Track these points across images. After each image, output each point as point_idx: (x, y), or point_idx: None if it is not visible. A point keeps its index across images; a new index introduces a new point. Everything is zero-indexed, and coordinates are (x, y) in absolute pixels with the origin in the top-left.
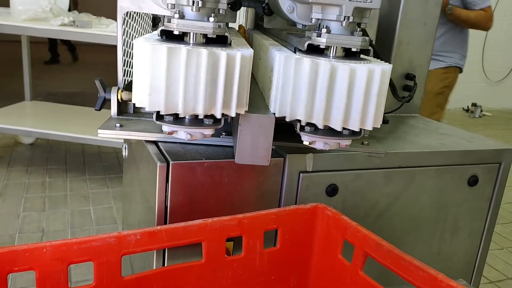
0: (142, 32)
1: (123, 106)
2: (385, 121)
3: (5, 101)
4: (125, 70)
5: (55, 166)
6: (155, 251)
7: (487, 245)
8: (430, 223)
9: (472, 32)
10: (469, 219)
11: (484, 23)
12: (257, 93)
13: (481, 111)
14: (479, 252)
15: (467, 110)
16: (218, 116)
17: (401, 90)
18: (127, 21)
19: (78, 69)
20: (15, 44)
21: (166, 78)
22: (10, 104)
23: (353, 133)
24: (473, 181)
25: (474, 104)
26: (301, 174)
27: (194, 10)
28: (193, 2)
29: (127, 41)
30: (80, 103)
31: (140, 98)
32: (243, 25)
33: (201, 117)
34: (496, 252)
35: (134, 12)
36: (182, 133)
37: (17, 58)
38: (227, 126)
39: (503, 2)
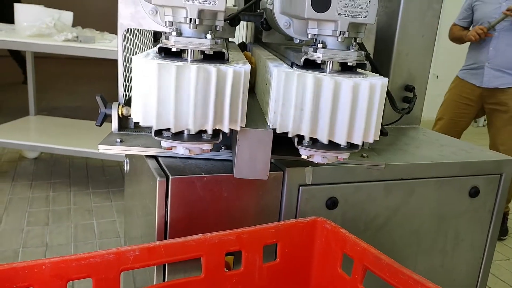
0: (143, 47)
1: (123, 121)
2: (384, 133)
3: (9, 116)
4: (126, 85)
5: (59, 180)
6: (155, 266)
7: (490, 257)
8: (432, 236)
9: None
10: (471, 230)
11: None
12: (256, 107)
13: (485, 120)
14: (482, 263)
15: None
16: (226, 130)
17: (400, 101)
18: (128, 37)
19: (82, 83)
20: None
21: (175, 96)
22: (15, 119)
23: (351, 146)
24: (474, 192)
25: None
26: (300, 187)
27: (191, 27)
28: (190, 19)
29: (128, 57)
30: (84, 117)
31: (138, 113)
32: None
33: (210, 132)
34: (502, 263)
35: (135, 28)
36: (181, 148)
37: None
38: (227, 140)
39: None
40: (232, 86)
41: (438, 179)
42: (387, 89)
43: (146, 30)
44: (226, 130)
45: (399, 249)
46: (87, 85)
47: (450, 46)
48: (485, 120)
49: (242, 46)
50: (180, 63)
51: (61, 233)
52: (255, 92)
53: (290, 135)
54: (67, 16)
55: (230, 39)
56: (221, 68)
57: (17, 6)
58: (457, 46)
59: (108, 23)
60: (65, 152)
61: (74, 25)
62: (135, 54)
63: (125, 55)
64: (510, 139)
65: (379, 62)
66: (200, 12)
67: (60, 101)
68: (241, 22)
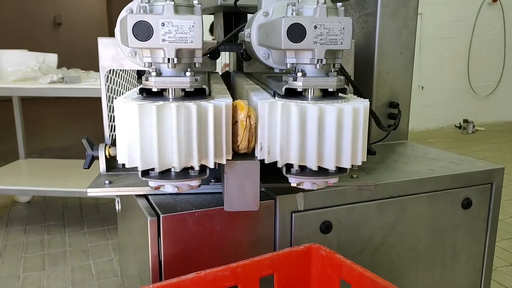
0: (127, 85)
1: (112, 161)
2: (372, 153)
3: (0, 161)
4: (111, 125)
5: (53, 222)
6: None
7: (490, 266)
8: (429, 251)
9: (455, 49)
10: (467, 242)
11: None
12: None
13: (474, 126)
14: (483, 274)
15: (460, 127)
16: (211, 166)
17: (386, 118)
18: (111, 77)
19: (71, 122)
20: (6, 103)
21: (157, 135)
22: (5, 163)
23: (339, 170)
24: (466, 204)
25: (465, 121)
26: (293, 214)
27: (170, 66)
28: (169, 59)
29: (112, 97)
30: (76, 156)
31: (123, 156)
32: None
33: (196, 168)
34: (504, 269)
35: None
36: (169, 187)
37: (9, 117)
38: (216, 173)
39: (484, 17)
40: (214, 120)
41: (430, 193)
42: (371, 109)
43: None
44: (212, 166)
45: (398, 267)
46: (77, 124)
47: (432, 58)
48: (474, 126)
49: (226, 76)
50: (161, 102)
51: (58, 277)
52: None
53: (280, 165)
54: (52, 58)
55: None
56: (201, 104)
57: (1, 52)
58: (439, 58)
59: (93, 62)
60: (58, 194)
61: (59, 66)
62: (119, 93)
63: (109, 96)
64: None
65: (361, 82)
66: (178, 51)
67: (50, 142)
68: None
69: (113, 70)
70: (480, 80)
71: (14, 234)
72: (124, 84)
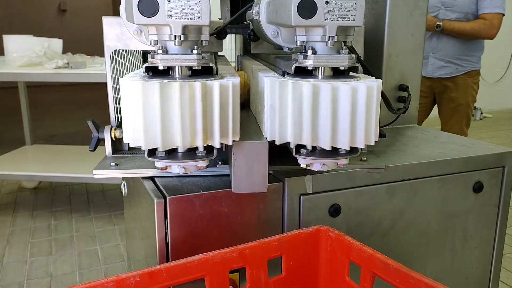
0: (132, 68)
1: (117, 144)
2: (382, 135)
3: (6, 147)
4: (117, 107)
5: (60, 208)
6: None
7: (500, 251)
8: (439, 235)
9: None
10: (478, 226)
11: (484, 32)
12: (251, 120)
13: (482, 113)
14: (493, 259)
15: None
16: (217, 146)
17: (395, 101)
18: (116, 59)
19: (77, 109)
20: (12, 90)
21: (161, 113)
22: (12, 149)
23: (350, 151)
24: (478, 188)
25: (473, 107)
26: (301, 197)
27: (176, 44)
28: (175, 36)
29: (117, 78)
30: (82, 143)
31: (128, 135)
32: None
33: (202, 148)
34: None
35: (123, 49)
36: (176, 167)
37: (15, 103)
38: (223, 155)
39: None
40: (220, 100)
41: (441, 177)
42: (381, 91)
43: (134, 50)
44: (218, 146)
45: (408, 252)
46: (82, 111)
47: None
48: (481, 113)
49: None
50: (165, 80)
51: (65, 262)
52: (250, 105)
53: (291, 145)
54: (57, 43)
55: (219, 53)
56: (206, 83)
57: (6, 37)
58: None
59: (98, 47)
60: (64, 180)
61: (64, 51)
62: (124, 75)
63: (114, 77)
64: (456, 127)
65: (370, 65)
66: (185, 28)
67: (56, 128)
68: (229, 35)
69: (119, 52)
70: (488, 66)
71: (21, 219)
72: (129, 67)
